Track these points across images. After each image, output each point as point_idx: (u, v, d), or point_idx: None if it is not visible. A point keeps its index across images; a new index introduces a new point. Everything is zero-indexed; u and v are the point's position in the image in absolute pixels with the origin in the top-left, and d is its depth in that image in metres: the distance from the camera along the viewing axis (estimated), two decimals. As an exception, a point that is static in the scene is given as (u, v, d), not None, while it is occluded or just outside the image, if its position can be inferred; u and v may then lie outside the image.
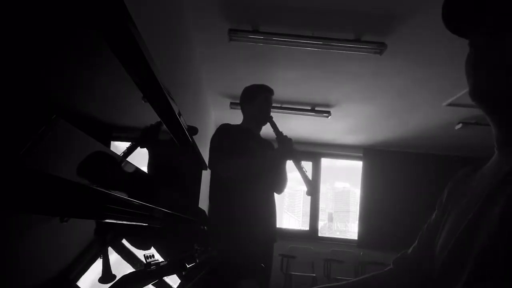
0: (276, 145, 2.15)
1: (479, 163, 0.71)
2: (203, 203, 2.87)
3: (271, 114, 2.19)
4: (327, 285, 0.83)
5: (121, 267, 0.70)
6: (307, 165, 5.54)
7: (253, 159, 2.02)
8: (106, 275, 0.59)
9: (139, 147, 0.99)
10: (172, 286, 0.89)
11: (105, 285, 0.59)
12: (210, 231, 1.97)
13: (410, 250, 0.80)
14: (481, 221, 0.54)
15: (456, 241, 0.58)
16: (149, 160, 1.13)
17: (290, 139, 2.07)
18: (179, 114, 1.21)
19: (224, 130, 2.08)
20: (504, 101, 0.56)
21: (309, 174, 2.16)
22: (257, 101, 2.18)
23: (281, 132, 2.13)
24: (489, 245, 0.50)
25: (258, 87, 2.22)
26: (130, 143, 0.93)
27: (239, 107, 2.29)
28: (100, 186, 0.57)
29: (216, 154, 2.00)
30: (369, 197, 5.35)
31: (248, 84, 2.27)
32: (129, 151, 0.91)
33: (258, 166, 2.01)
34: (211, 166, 2.01)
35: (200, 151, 1.86)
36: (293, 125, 4.71)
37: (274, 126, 2.17)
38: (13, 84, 0.45)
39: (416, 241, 0.79)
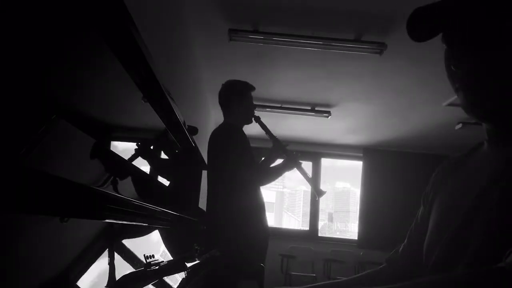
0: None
1: (462, 156, 0.71)
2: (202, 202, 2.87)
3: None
4: (322, 283, 0.83)
5: (121, 267, 0.70)
6: (307, 165, 5.49)
7: (270, 168, 2.12)
8: (111, 281, 0.59)
9: (138, 148, 0.99)
10: (172, 286, 0.89)
11: (104, 285, 0.59)
12: (215, 230, 1.97)
13: (401, 248, 0.80)
14: (474, 218, 0.54)
15: (451, 237, 0.57)
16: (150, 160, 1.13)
17: (297, 153, 2.14)
18: (179, 114, 1.21)
19: (236, 132, 2.09)
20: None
21: (309, 175, 2.24)
22: (247, 98, 2.16)
23: (277, 138, 2.18)
24: (487, 242, 0.50)
25: (245, 83, 2.19)
26: (129, 143, 0.93)
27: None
28: (100, 186, 0.57)
29: (238, 158, 2.00)
30: (369, 197, 5.35)
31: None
32: (135, 154, 0.91)
33: (273, 176, 2.11)
34: (234, 169, 2.00)
35: (200, 151, 1.86)
36: (293, 125, 4.71)
37: (265, 128, 2.21)
38: (13, 84, 0.45)
39: (406, 238, 0.79)
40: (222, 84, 2.23)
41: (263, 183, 2.12)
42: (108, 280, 0.58)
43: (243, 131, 2.13)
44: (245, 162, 2.00)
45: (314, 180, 2.21)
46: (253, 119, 2.20)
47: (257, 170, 2.07)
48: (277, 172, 2.11)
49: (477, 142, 0.66)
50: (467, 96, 0.56)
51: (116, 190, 0.70)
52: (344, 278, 0.83)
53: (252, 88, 2.19)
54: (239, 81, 2.21)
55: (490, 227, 0.50)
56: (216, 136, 2.09)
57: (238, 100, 2.14)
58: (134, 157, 0.92)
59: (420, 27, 0.59)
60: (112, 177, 0.70)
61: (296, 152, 2.18)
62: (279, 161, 2.19)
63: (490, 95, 0.54)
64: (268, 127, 2.24)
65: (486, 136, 0.63)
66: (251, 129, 2.37)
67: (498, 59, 0.52)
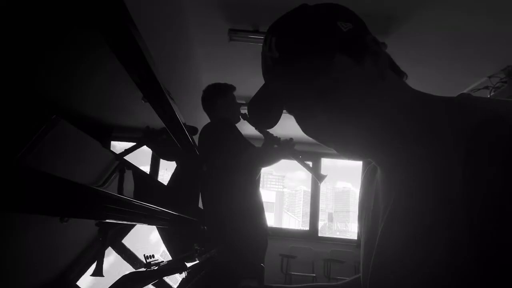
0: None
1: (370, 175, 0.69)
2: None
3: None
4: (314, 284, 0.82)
5: (121, 267, 0.70)
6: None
7: (264, 154, 2.10)
8: (98, 270, 0.59)
9: (139, 147, 0.99)
10: (172, 286, 0.89)
11: (104, 285, 0.59)
12: (214, 230, 1.96)
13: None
14: (378, 253, 0.54)
15: (372, 274, 0.57)
16: (150, 161, 1.13)
17: (291, 140, 2.10)
18: (179, 114, 1.21)
19: (226, 126, 2.08)
20: (363, 147, 0.56)
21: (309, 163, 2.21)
22: (231, 97, 2.17)
23: (268, 131, 2.15)
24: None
25: (226, 84, 2.20)
26: (130, 143, 0.93)
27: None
28: (100, 186, 0.57)
29: (231, 150, 1.99)
30: (369, 197, 5.34)
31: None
32: (128, 151, 0.91)
33: (267, 159, 2.08)
34: (249, 161, 2.00)
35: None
36: (293, 125, 4.70)
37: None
38: (13, 84, 0.45)
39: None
40: (203, 90, 2.22)
41: (257, 164, 2.08)
42: (95, 269, 0.58)
43: (233, 125, 2.13)
44: (239, 150, 1.98)
45: (314, 167, 2.19)
46: (240, 117, 2.20)
47: (249, 153, 2.03)
48: (273, 156, 2.06)
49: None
50: (336, 150, 0.59)
51: (115, 190, 0.70)
52: (333, 283, 0.82)
53: (233, 88, 2.20)
54: (219, 83, 2.22)
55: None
56: (206, 132, 2.06)
57: (224, 101, 2.15)
58: (131, 148, 0.92)
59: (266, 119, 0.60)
60: (112, 177, 0.70)
61: (291, 139, 2.15)
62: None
63: (347, 142, 0.56)
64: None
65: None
66: (248, 129, 2.37)
67: (336, 105, 0.53)
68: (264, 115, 0.59)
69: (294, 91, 0.54)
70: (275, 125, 0.60)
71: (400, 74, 0.60)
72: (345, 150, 0.57)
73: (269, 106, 0.57)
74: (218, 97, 2.15)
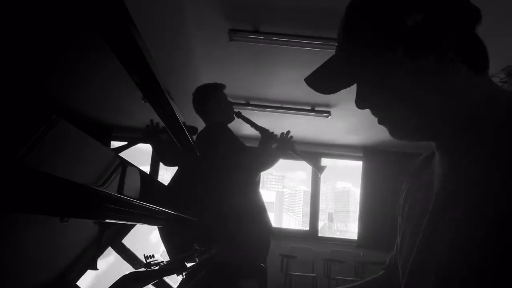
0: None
1: (422, 162, 0.70)
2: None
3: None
4: None
5: (121, 267, 0.70)
6: (307, 166, 5.54)
7: (263, 154, 2.12)
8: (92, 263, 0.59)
9: (138, 143, 0.99)
10: (172, 286, 0.89)
11: (104, 285, 0.59)
12: (215, 230, 1.96)
13: (393, 258, 0.80)
14: (432, 237, 0.54)
15: (415, 259, 0.57)
16: (150, 161, 1.13)
17: (290, 137, 2.11)
18: (179, 114, 1.21)
19: (229, 130, 2.09)
20: (419, 130, 0.57)
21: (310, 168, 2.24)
22: (222, 96, 2.16)
23: (263, 128, 2.15)
24: (445, 265, 0.49)
25: (215, 84, 2.20)
26: (130, 143, 0.93)
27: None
28: (100, 186, 0.57)
29: (230, 151, 2.00)
30: (369, 197, 5.35)
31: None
32: (128, 145, 0.91)
33: (268, 160, 2.12)
34: (255, 166, 2.01)
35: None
36: (293, 125, 4.71)
37: (249, 121, 2.19)
38: (13, 84, 0.45)
39: (395, 248, 0.79)
40: (193, 93, 2.22)
41: (259, 169, 2.10)
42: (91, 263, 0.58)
43: (228, 128, 2.13)
44: (236, 151, 1.99)
45: (313, 159, 2.19)
46: (234, 115, 2.19)
47: (248, 154, 2.05)
48: (272, 155, 2.09)
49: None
50: (388, 129, 0.59)
51: (115, 190, 0.70)
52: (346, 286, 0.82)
53: (223, 86, 2.19)
54: (208, 84, 2.22)
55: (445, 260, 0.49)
56: (201, 137, 2.07)
57: (215, 100, 2.14)
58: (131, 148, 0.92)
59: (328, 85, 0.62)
60: (112, 177, 0.70)
61: (288, 132, 2.16)
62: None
63: (400, 121, 0.57)
64: (265, 127, 2.23)
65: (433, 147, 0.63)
66: (244, 130, 2.37)
67: (391, 87, 0.54)
68: (325, 81, 0.62)
69: (349, 71, 0.58)
70: (332, 93, 0.62)
71: (477, 66, 0.53)
72: (396, 129, 0.58)
73: (332, 75, 0.60)
74: (208, 97, 2.15)
